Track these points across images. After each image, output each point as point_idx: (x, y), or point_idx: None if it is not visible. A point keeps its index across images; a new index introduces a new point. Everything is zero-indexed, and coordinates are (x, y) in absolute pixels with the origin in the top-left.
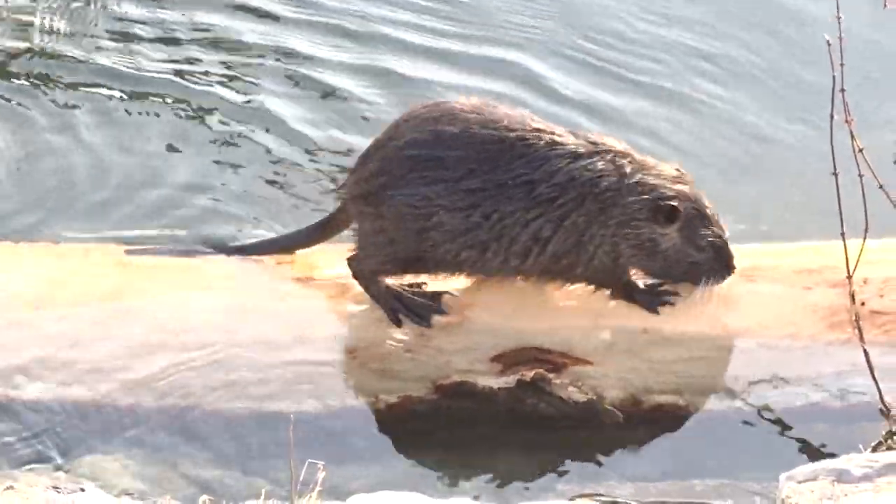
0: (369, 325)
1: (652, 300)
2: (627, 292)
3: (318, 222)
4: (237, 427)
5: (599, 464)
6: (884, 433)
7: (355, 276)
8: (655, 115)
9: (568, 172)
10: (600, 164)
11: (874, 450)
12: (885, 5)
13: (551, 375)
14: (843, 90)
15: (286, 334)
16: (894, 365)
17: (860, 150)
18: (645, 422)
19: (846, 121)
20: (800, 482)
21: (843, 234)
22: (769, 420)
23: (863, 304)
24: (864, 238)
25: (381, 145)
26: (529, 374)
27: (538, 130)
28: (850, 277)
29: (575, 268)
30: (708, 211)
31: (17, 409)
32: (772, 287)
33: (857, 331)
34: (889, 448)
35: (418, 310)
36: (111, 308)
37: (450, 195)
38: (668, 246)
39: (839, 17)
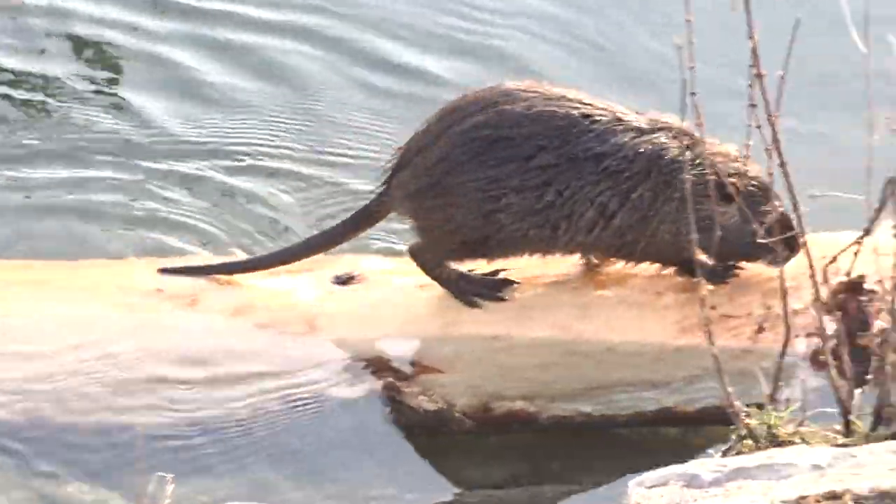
0: (221, 335)
1: (716, 275)
2: (690, 269)
3: (351, 218)
4: (85, 441)
5: (449, 472)
6: (734, 437)
7: (421, 267)
8: None
9: (634, 146)
10: (663, 139)
11: (724, 454)
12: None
13: (401, 384)
14: (693, 93)
15: (134, 347)
16: (744, 368)
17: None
18: (497, 429)
19: (697, 124)
20: (649, 487)
21: (692, 241)
22: (620, 425)
23: (713, 308)
24: (713, 245)
25: (438, 133)
26: (380, 384)
27: (600, 107)
28: (700, 282)
29: (638, 243)
30: (769, 191)
31: None
32: (623, 292)
33: (706, 335)
34: (739, 452)
35: (490, 288)
36: None
37: (521, 174)
38: (728, 225)
39: (688, 21)
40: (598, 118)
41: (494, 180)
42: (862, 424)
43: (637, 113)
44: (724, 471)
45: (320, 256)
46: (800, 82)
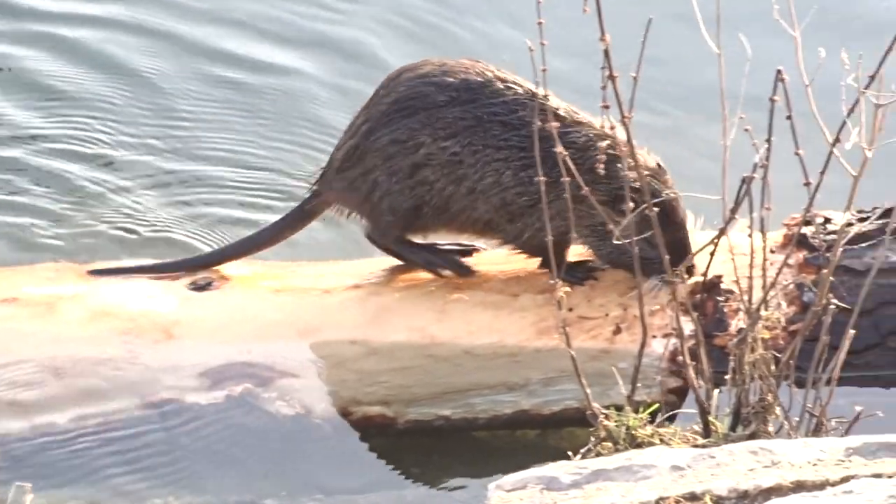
0: (77, 343)
1: (576, 275)
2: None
3: (286, 218)
4: None
5: (309, 477)
6: (592, 439)
7: (382, 248)
8: None
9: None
10: (575, 137)
11: (583, 456)
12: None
13: (259, 390)
14: (545, 96)
15: None
16: (603, 370)
17: (564, 156)
18: (355, 434)
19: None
20: (508, 491)
21: (549, 241)
22: (478, 428)
23: (570, 309)
24: (568, 246)
25: (365, 109)
26: (237, 390)
27: (521, 82)
28: (555, 282)
29: (524, 232)
30: (675, 211)
31: None
32: (479, 294)
33: (564, 336)
34: (598, 454)
35: (455, 259)
36: None
37: (432, 123)
38: (623, 236)
39: (540, 22)
40: (513, 87)
41: (409, 129)
42: (721, 425)
43: (561, 100)
44: (583, 473)
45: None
46: (660, 82)
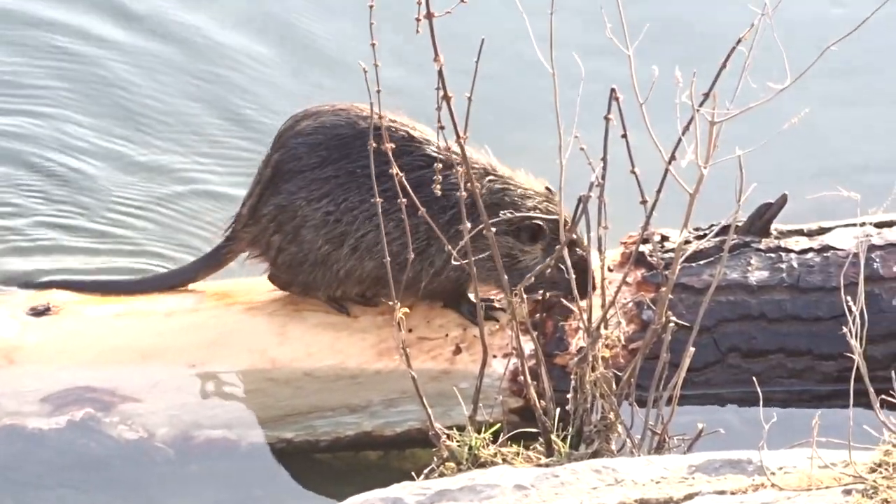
0: None
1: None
2: (457, 303)
3: (208, 255)
4: None
5: (152, 502)
6: (435, 459)
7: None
8: None
9: (421, 176)
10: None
11: (427, 477)
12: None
13: (101, 415)
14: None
15: None
16: (444, 390)
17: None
18: (198, 457)
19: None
20: None
21: (386, 265)
22: (321, 450)
23: (410, 330)
24: (408, 266)
25: (262, 166)
26: (79, 415)
27: (399, 126)
28: (395, 303)
29: (418, 280)
30: (573, 233)
31: None
32: (319, 315)
33: (404, 357)
34: (441, 475)
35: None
36: None
37: (307, 185)
38: (529, 264)
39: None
40: (391, 135)
41: (288, 193)
42: (563, 444)
43: (435, 141)
44: (427, 493)
45: (10, 289)
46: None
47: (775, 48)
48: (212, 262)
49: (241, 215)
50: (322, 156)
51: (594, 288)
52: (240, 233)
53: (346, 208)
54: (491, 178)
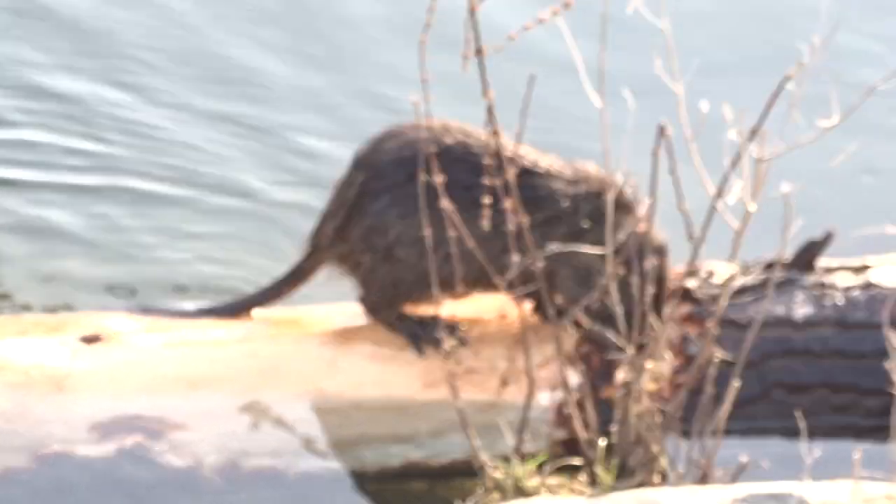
0: None
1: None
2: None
3: (290, 273)
4: None
5: None
6: (480, 490)
7: (373, 317)
8: None
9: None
10: (542, 182)
11: None
12: None
13: (149, 442)
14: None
15: None
16: (490, 421)
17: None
18: (245, 485)
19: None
20: None
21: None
22: (369, 479)
23: (457, 362)
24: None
25: (345, 186)
26: (128, 442)
27: (478, 137)
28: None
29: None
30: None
31: None
32: (368, 347)
33: (452, 389)
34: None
35: (434, 336)
36: None
37: (397, 202)
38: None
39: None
40: (470, 146)
41: (377, 213)
42: (607, 476)
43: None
44: None
45: (66, 316)
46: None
47: (823, 79)
48: (295, 279)
49: (326, 235)
50: (410, 172)
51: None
52: (324, 251)
53: (437, 219)
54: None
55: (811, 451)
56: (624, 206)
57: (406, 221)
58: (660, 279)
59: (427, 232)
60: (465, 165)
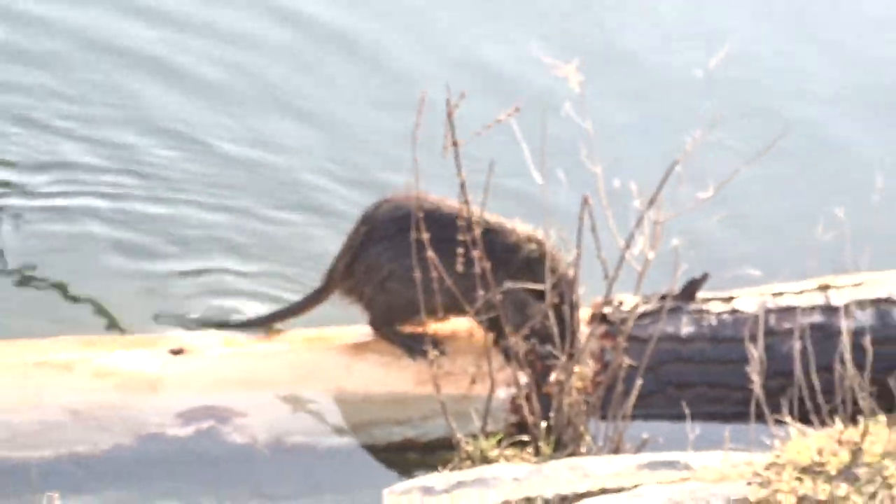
0: (89, 393)
1: (440, 348)
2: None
3: (311, 295)
4: None
5: (255, 487)
6: (457, 459)
7: (376, 333)
8: None
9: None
10: (501, 239)
11: (451, 471)
12: None
13: (219, 426)
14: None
15: (28, 401)
16: (463, 410)
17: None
18: (288, 455)
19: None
20: (398, 494)
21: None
22: (378, 451)
23: (440, 367)
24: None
25: (352, 235)
26: (204, 426)
27: (452, 206)
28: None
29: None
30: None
31: None
32: (374, 355)
33: (436, 386)
34: (460, 469)
35: (420, 348)
36: None
37: (393, 248)
38: (534, 314)
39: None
40: (447, 212)
41: (377, 254)
42: (547, 448)
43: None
44: (450, 482)
45: (155, 335)
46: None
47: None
48: (314, 301)
49: (338, 270)
50: (401, 226)
51: (573, 338)
52: (337, 283)
53: (421, 262)
54: (532, 245)
55: (693, 430)
56: (552, 256)
57: (396, 262)
58: (574, 304)
59: (415, 271)
60: (440, 223)
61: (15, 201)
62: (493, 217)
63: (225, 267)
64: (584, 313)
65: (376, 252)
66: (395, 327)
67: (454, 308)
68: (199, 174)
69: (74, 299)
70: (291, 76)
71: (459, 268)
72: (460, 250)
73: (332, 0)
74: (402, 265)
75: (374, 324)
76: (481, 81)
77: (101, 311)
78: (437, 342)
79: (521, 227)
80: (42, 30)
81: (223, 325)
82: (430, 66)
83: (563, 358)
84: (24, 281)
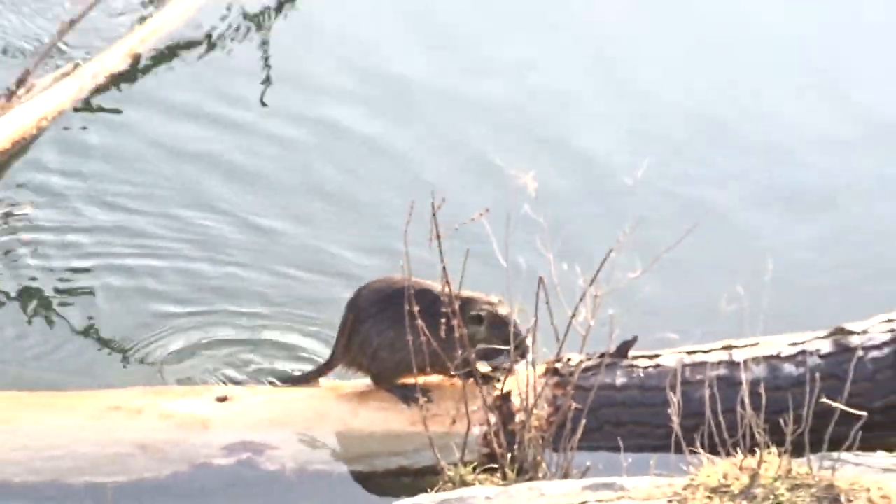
0: (154, 431)
1: (426, 395)
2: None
3: (320, 367)
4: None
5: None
6: (441, 482)
7: (376, 386)
8: None
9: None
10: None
11: (437, 492)
12: None
13: (256, 457)
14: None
15: (106, 437)
16: (446, 444)
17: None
18: (309, 480)
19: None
20: None
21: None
22: (379, 476)
23: (428, 410)
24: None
25: (344, 322)
26: (244, 457)
27: (423, 284)
28: (421, 399)
29: (446, 364)
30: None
31: None
32: (377, 402)
33: (425, 425)
34: (443, 490)
35: (413, 395)
36: None
37: (376, 325)
38: (481, 338)
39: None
40: (421, 289)
41: (366, 331)
42: (512, 474)
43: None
44: (436, 501)
45: (205, 386)
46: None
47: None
48: (322, 372)
49: (338, 349)
50: (380, 306)
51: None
52: (339, 359)
53: (399, 332)
54: (471, 305)
55: (626, 459)
56: (504, 320)
57: (381, 336)
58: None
59: (400, 339)
60: (418, 299)
61: (90, 262)
62: (465, 291)
63: (262, 322)
64: (540, 369)
65: (364, 331)
66: (391, 382)
67: (435, 366)
68: (242, 241)
69: (139, 353)
70: (323, 168)
71: (442, 334)
72: (442, 319)
73: (357, 109)
74: (387, 337)
75: (375, 380)
76: (475, 177)
77: (162, 363)
78: (424, 391)
79: (487, 298)
80: (129, 133)
81: (258, 381)
82: (435, 159)
83: (524, 402)
84: (93, 333)
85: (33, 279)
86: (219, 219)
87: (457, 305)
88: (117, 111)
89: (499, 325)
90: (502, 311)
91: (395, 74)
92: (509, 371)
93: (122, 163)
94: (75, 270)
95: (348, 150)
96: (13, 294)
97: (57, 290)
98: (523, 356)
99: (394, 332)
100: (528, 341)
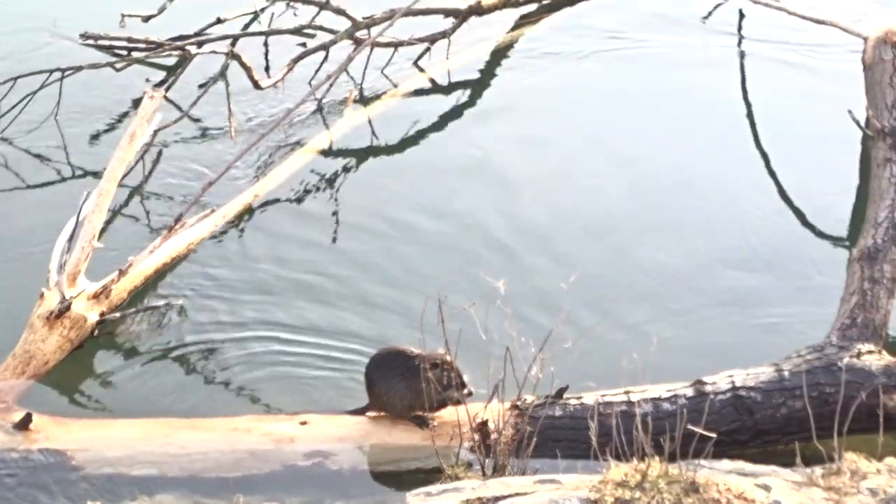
0: (252, 443)
1: (423, 423)
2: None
3: (363, 407)
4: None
5: (343, 492)
6: (443, 478)
7: (400, 418)
8: None
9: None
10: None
11: (441, 483)
12: None
13: (325, 460)
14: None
15: (205, 446)
16: (446, 452)
17: None
18: (357, 475)
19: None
20: (414, 496)
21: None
22: (403, 474)
23: (433, 430)
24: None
25: (367, 375)
26: (317, 459)
27: (413, 351)
28: (431, 418)
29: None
30: (457, 375)
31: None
32: (402, 426)
33: (432, 441)
34: (444, 483)
35: (427, 421)
36: None
37: (384, 377)
38: (438, 377)
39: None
40: (410, 353)
41: (377, 381)
42: (489, 473)
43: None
44: (440, 490)
45: (293, 414)
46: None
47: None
48: (365, 410)
49: (371, 400)
50: (387, 367)
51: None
52: (371, 406)
53: (402, 381)
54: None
55: (562, 463)
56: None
57: (390, 391)
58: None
59: (403, 389)
60: (404, 360)
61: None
62: (425, 351)
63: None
64: (507, 404)
65: (378, 389)
66: (407, 414)
67: (435, 404)
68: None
69: (248, 388)
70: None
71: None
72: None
73: (380, 231)
74: (393, 389)
75: (397, 415)
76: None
77: (261, 395)
78: (432, 419)
79: (440, 353)
80: (244, 255)
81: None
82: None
83: (497, 428)
84: (223, 378)
85: (182, 342)
86: (315, 310)
87: (426, 363)
88: (240, 238)
89: (445, 368)
90: (448, 358)
91: None
92: (458, 402)
93: (244, 272)
94: (215, 333)
95: (381, 254)
96: (171, 349)
97: (197, 347)
98: (464, 386)
99: (398, 385)
100: (465, 378)
